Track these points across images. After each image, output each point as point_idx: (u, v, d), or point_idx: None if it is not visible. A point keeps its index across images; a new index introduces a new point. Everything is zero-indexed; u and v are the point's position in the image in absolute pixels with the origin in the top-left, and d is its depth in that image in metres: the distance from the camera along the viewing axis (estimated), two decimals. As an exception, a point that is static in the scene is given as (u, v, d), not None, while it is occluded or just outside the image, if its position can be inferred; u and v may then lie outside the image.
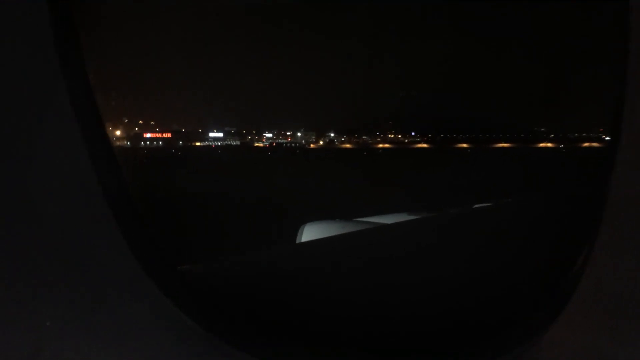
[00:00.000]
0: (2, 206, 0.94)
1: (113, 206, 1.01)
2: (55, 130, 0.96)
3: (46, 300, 0.97)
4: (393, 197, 16.39)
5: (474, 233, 2.40)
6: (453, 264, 1.81)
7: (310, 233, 3.62)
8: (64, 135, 0.97)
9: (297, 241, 3.60)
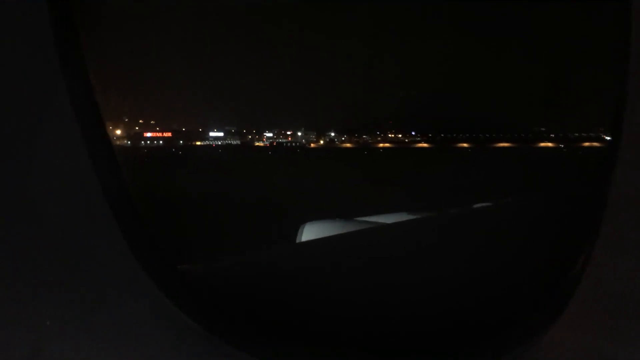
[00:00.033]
0: (2, 206, 0.94)
1: (113, 206, 1.01)
2: (55, 130, 0.96)
3: (46, 300, 0.98)
4: (393, 197, 16.38)
5: (473, 233, 2.40)
6: (453, 264, 1.81)
7: (310, 233, 3.62)
8: (64, 135, 0.97)
9: (297, 241, 3.60)
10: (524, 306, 1.40)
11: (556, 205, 2.67)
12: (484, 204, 3.79)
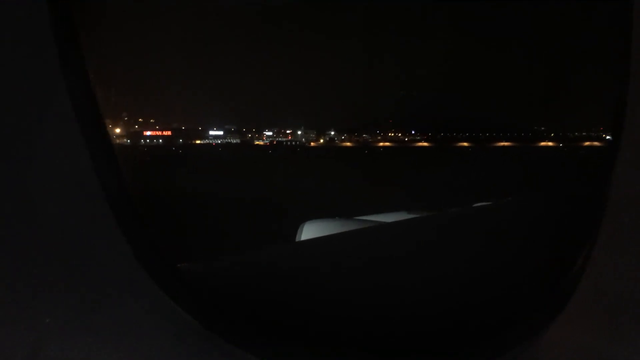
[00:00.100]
0: (2, 206, 0.94)
1: (113, 206, 1.01)
2: (55, 130, 0.96)
3: (46, 300, 0.98)
4: (393, 196, 16.39)
5: (473, 232, 2.40)
6: (452, 264, 1.81)
7: (309, 231, 3.62)
8: (64, 135, 0.97)
9: (297, 239, 3.60)
10: (524, 306, 1.40)
11: (556, 205, 2.67)
12: (483, 204, 3.79)
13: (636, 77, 1.07)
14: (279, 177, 30.22)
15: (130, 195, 1.14)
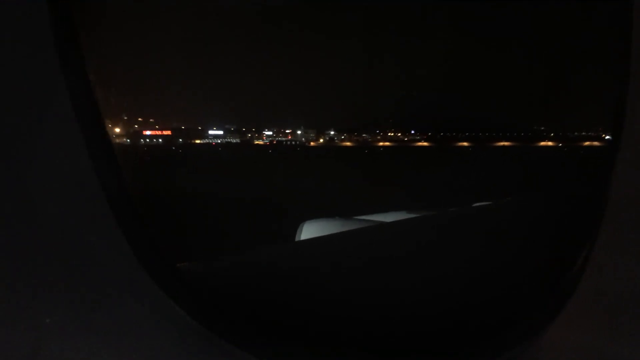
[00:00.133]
0: (2, 206, 0.94)
1: (113, 206, 1.01)
2: (55, 130, 0.96)
3: (46, 300, 0.98)
4: (393, 196, 16.39)
5: (473, 232, 2.40)
6: (452, 263, 1.81)
7: (309, 231, 3.62)
8: (64, 135, 0.97)
9: (297, 239, 3.60)
10: (524, 306, 1.40)
11: (556, 205, 2.68)
12: (483, 203, 3.79)
13: (636, 77, 1.07)
14: (279, 177, 30.21)
15: (130, 195, 1.14)
